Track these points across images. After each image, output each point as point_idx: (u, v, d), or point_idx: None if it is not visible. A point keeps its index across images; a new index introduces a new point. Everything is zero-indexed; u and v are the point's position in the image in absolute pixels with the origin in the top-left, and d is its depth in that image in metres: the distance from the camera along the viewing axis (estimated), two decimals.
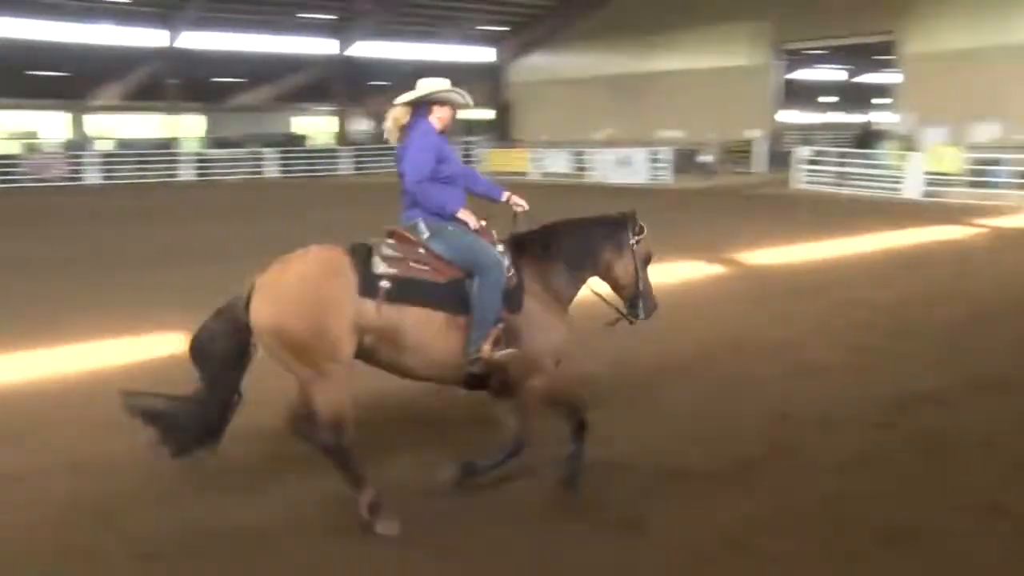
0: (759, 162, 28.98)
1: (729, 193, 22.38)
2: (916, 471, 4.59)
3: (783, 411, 5.49)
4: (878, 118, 35.00)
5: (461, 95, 4.21)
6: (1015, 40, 23.38)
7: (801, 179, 22.72)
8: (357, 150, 33.24)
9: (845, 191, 21.24)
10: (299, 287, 3.74)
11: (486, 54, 39.23)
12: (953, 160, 20.20)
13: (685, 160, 26.72)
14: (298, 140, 38.20)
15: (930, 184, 20.11)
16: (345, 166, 32.10)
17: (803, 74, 45.43)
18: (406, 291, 3.84)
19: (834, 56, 41.80)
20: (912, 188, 20.11)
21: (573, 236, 4.29)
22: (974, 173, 19.89)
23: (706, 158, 26.64)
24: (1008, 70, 23.33)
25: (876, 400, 5.70)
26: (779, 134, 31.14)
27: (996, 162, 20.57)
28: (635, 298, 4.43)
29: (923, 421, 5.34)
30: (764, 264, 11.36)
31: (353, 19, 34.86)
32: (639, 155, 26.80)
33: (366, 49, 36.34)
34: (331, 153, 33.52)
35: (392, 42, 36.55)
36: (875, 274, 10.44)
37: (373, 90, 34.73)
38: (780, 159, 28.59)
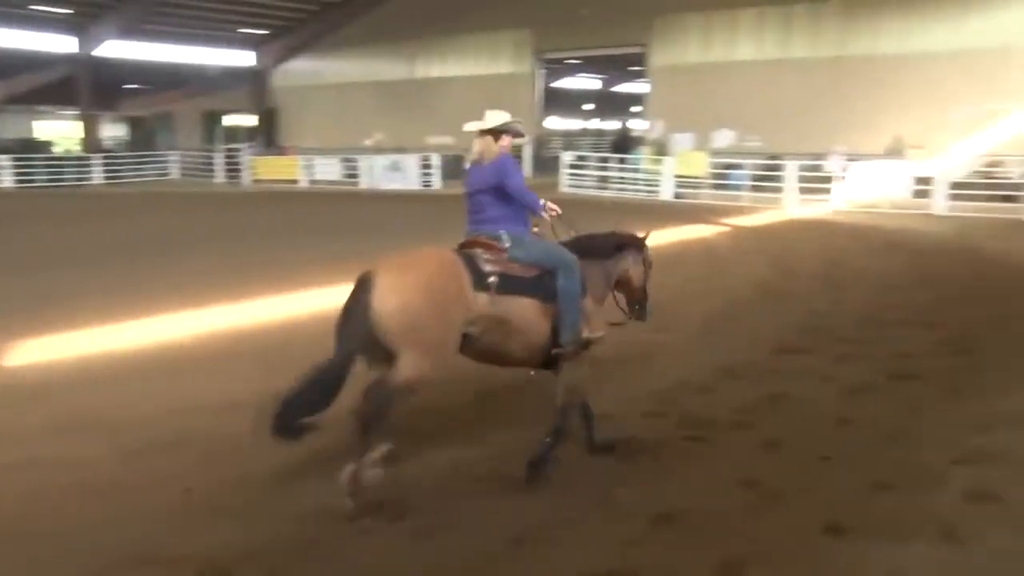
0: (527, 167, 30.06)
1: None
2: (685, 454, 4.96)
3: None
4: (633, 125, 37.37)
5: (521, 126, 5.09)
6: (742, 57, 25.95)
7: (567, 183, 23.80)
8: (108, 158, 30.85)
9: (608, 194, 22.52)
10: (426, 280, 4.23)
11: (247, 58, 37.79)
12: (699, 164, 22.01)
13: (454, 166, 27.17)
14: (39, 146, 34.86)
15: (680, 186, 21.78)
16: (96, 175, 29.58)
17: (566, 82, 47.68)
18: (510, 284, 4.47)
19: (593, 66, 44.15)
20: (666, 190, 21.70)
21: (609, 246, 5.11)
22: (716, 176, 21.78)
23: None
24: (739, 83, 25.82)
25: (646, 391, 6.08)
26: (544, 140, 32.46)
27: (734, 166, 22.70)
28: (644, 300, 5.31)
29: (687, 408, 5.77)
30: None
31: (97, 16, 32.24)
32: (410, 161, 26.84)
33: (116, 49, 33.77)
34: (79, 161, 30.70)
35: (145, 43, 34.22)
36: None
37: (126, 93, 32.28)
38: (546, 164, 29.88)
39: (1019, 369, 6.47)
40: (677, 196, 21.59)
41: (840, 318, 8.43)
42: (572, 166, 24.37)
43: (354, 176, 27.58)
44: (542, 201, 4.92)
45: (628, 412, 5.67)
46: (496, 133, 4.96)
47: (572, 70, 45.74)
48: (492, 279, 4.44)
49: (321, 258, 12.11)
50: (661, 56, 27.92)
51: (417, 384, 4.21)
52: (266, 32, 36.75)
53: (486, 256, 4.58)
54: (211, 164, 31.21)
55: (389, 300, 4.13)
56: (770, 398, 5.99)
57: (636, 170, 22.97)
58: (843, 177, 19.62)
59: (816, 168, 20.61)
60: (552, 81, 44.39)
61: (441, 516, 4.19)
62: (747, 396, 6.02)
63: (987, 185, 18.34)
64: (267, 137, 36.61)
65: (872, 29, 23.76)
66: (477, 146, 4.99)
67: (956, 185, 17.77)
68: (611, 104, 50.92)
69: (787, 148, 23.83)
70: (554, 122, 47.72)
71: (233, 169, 30.47)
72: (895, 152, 21.51)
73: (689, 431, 5.32)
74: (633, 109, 47.27)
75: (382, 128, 34.16)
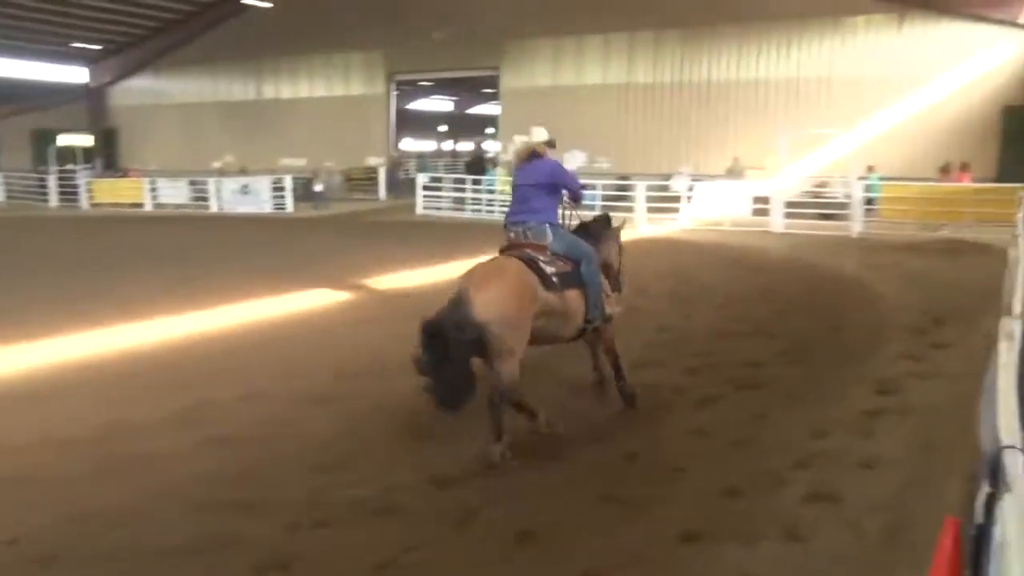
0: (383, 189, 29.91)
1: (354, 220, 22.75)
2: (545, 471, 5.03)
3: (425, 432, 5.68)
4: (487, 146, 37.86)
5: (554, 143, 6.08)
6: (591, 81, 26.81)
7: (423, 205, 23.80)
8: None
9: (465, 215, 22.64)
10: (511, 290, 5.20)
11: (79, 74, 35.77)
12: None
13: (305, 189, 26.65)
14: None
15: None
16: None
17: (420, 104, 47.76)
18: (564, 280, 5.57)
19: (447, 88, 44.48)
20: None
21: (598, 230, 6.31)
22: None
23: (319, 187, 26.56)
24: (588, 106, 26.67)
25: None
26: (399, 161, 32.44)
27: (585, 187, 23.26)
28: (619, 275, 6.40)
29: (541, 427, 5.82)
30: (393, 287, 11.70)
31: None
32: (262, 184, 26.11)
33: None
34: None
35: None
36: None
37: None
38: (401, 186, 29.79)
39: (851, 376, 6.90)
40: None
41: (689, 332, 8.76)
42: (427, 188, 24.40)
43: (203, 199, 26.54)
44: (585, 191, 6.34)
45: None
46: (542, 144, 6.04)
47: (426, 92, 45.96)
48: (555, 279, 5.53)
49: (165, 286, 11.62)
50: (512, 79, 28.47)
51: (517, 376, 5.16)
52: (100, 48, 34.95)
53: (542, 259, 5.62)
54: (44, 187, 29.28)
55: (488, 312, 5.05)
56: (625, 412, 6.17)
57: (491, 191, 23.23)
58: (689, 197, 20.46)
59: (663, 188, 21.43)
60: (406, 103, 44.48)
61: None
62: (602, 412, 6.16)
63: (817, 204, 19.63)
64: (106, 158, 34.70)
65: (709, 57, 25.10)
66: (522, 152, 6.07)
67: (790, 204, 18.90)
68: (465, 126, 51.41)
69: (636, 169, 24.76)
70: (409, 144, 47.73)
71: (69, 192, 28.69)
72: (735, 173, 22.69)
73: (550, 448, 5.39)
74: (487, 131, 47.95)
75: (231, 150, 33.06)
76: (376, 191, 29.50)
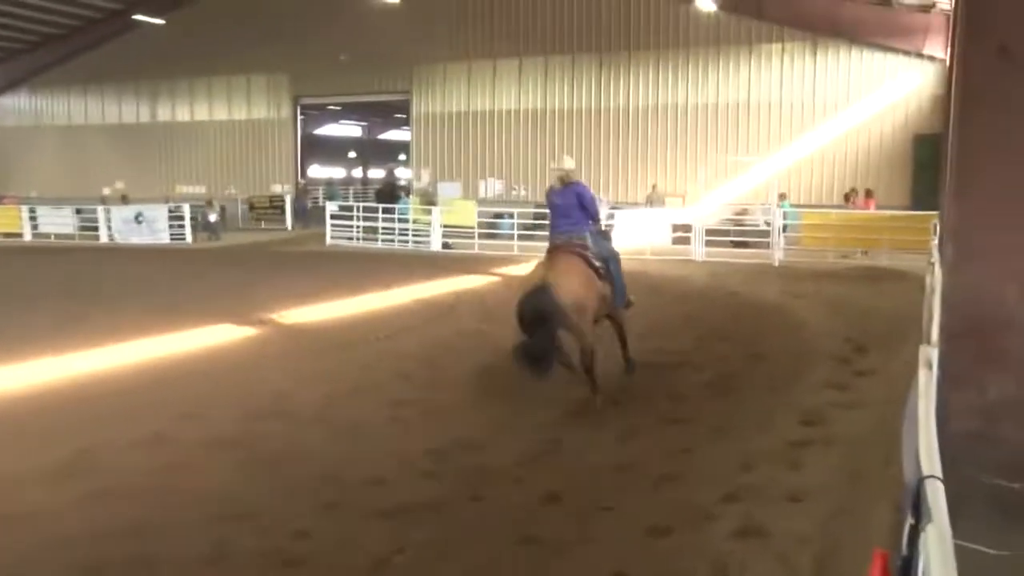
0: (289, 218, 29.56)
1: (258, 252, 22.40)
2: (465, 514, 4.97)
3: (334, 474, 5.60)
4: (400, 173, 37.86)
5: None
6: (505, 106, 27.13)
7: (333, 235, 23.56)
8: None
9: (377, 246, 22.52)
10: (580, 278, 7.42)
11: None
12: (467, 214, 22.58)
13: (204, 218, 26.15)
14: None
15: (449, 237, 22.24)
16: None
17: (328, 129, 47.40)
18: (605, 273, 7.78)
19: (356, 112, 44.31)
20: (435, 241, 22.03)
21: (602, 237, 8.25)
22: (486, 226, 22.47)
23: (213, 216, 26.02)
24: (503, 132, 27.00)
25: (422, 451, 6.09)
26: (307, 189, 32.10)
27: (502, 216, 23.52)
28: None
29: (463, 464, 5.82)
30: (301, 322, 11.52)
31: None
32: (158, 212, 25.41)
33: None
34: None
35: None
36: (410, 326, 11.17)
37: None
38: (310, 215, 29.49)
39: (776, 406, 7.05)
40: (446, 247, 21.98)
41: (612, 364, 8.84)
42: (337, 217, 24.18)
43: (92, 229, 25.64)
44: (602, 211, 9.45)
45: (404, 474, 5.64)
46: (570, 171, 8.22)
47: (334, 116, 45.69)
48: (601, 271, 7.74)
49: (52, 323, 11.18)
50: (424, 104, 28.60)
51: (593, 347, 7.38)
52: None
53: (589, 255, 7.73)
54: None
55: (568, 297, 7.20)
56: (546, 450, 6.16)
57: (404, 220, 23.18)
58: (608, 225, 20.77)
59: None
60: (313, 127, 44.20)
61: None
62: (523, 449, 6.17)
63: (737, 232, 20.19)
64: None
65: (626, 82, 25.69)
66: (557, 178, 8.21)
67: (711, 232, 19.39)
68: (376, 152, 51.22)
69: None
70: (317, 170, 47.27)
71: None
72: (655, 201, 23.21)
73: (468, 490, 5.34)
74: (400, 157, 47.92)
75: (124, 176, 32.27)
76: (282, 220, 29.10)
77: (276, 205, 29.49)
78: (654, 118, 25.39)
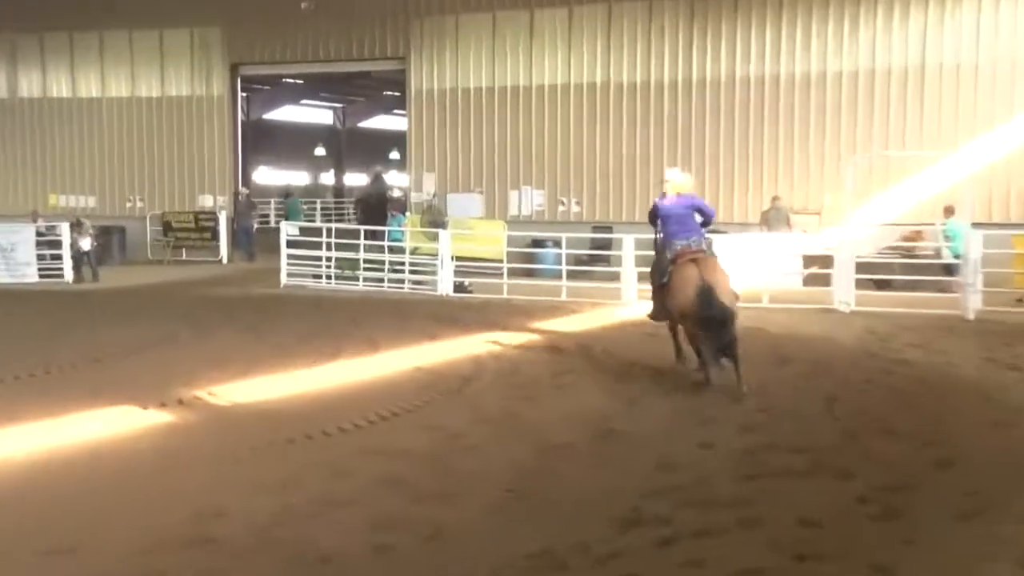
0: (224, 245, 29.71)
1: (176, 296, 22.64)
2: None
3: None
4: (392, 179, 38.11)
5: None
6: (544, 80, 27.29)
7: (290, 271, 23.60)
8: None
9: (359, 286, 22.61)
10: (728, 277, 12.72)
11: None
12: (493, 241, 22.60)
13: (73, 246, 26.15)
14: None
15: (465, 274, 22.23)
16: None
17: (284, 113, 47.97)
18: None
19: (328, 88, 44.89)
20: (444, 281, 21.97)
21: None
22: (520, 259, 22.49)
23: (85, 242, 25.84)
24: (542, 119, 27.09)
25: None
26: (250, 202, 32.14)
27: (544, 243, 23.57)
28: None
29: None
30: (241, 403, 11.49)
31: None
32: (18, 236, 25.64)
33: None
34: None
35: None
36: (407, 408, 11.08)
37: None
38: (256, 239, 29.76)
39: (976, 544, 6.84)
40: (461, 289, 21.93)
41: (708, 468, 8.62)
42: (296, 244, 24.29)
43: None
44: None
45: None
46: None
47: (293, 94, 46.31)
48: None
49: None
50: (427, 76, 28.91)
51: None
52: None
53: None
54: None
55: (730, 300, 12.26)
56: None
57: (398, 249, 23.19)
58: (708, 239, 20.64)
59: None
60: (262, 110, 44.78)
61: None
62: None
63: (906, 267, 19.95)
64: None
65: (729, 42, 25.56)
66: (672, 190, 13.16)
67: (864, 267, 19.28)
68: (357, 147, 51.55)
69: (618, 216, 25.32)
70: (266, 175, 47.75)
71: None
72: (775, 220, 22.99)
73: None
74: (391, 155, 48.26)
75: None
76: (214, 248, 29.28)
77: (205, 226, 29.71)
78: (772, 94, 25.29)
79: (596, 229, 25.70)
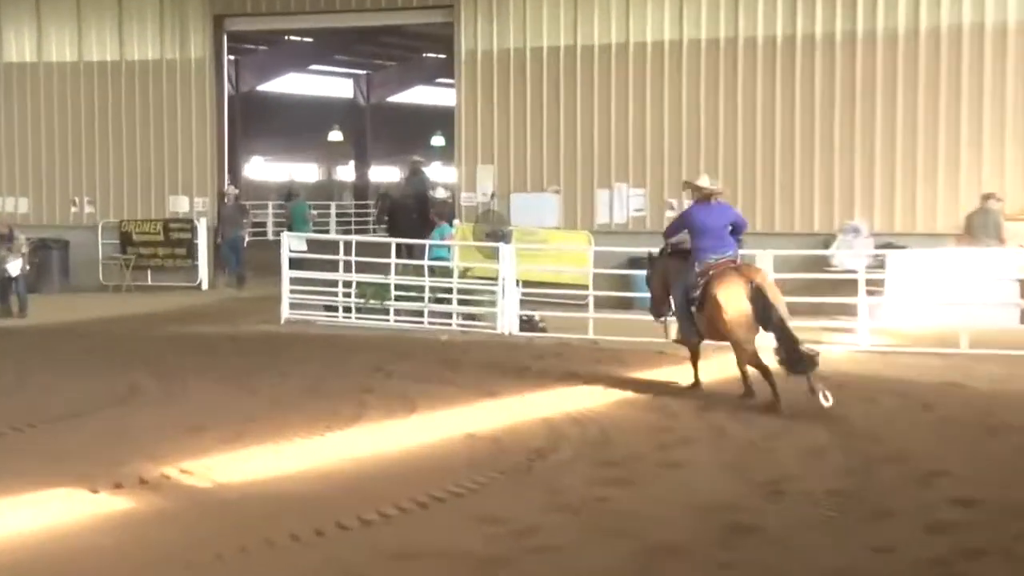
0: (205, 263, 29.88)
1: (140, 333, 22.85)
2: None
3: None
4: (434, 174, 38.12)
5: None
6: (642, 36, 27.20)
7: (295, 299, 23.64)
8: None
9: (389, 322, 22.61)
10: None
11: None
12: (572, 258, 22.54)
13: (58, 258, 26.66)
14: None
15: (534, 305, 22.17)
16: None
17: (288, 83, 48.27)
18: None
19: (344, 50, 45.05)
20: (507, 314, 21.85)
21: None
22: (612, 284, 22.38)
23: (13, 264, 25.79)
24: (617, 87, 27.05)
25: None
26: (240, 206, 32.23)
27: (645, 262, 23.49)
28: None
29: None
30: (223, 484, 11.45)
31: None
32: None
33: None
34: None
35: None
36: (455, 491, 10.97)
37: None
38: (247, 256, 29.90)
39: None
40: (530, 325, 21.84)
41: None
42: (301, 263, 24.35)
43: None
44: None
45: None
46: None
47: (297, 57, 46.59)
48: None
49: None
50: (482, 33, 29.00)
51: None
52: None
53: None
54: None
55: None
56: None
57: (442, 271, 23.19)
58: (876, 282, 20.49)
59: (816, 263, 22.06)
60: (256, 80, 45.05)
61: None
62: None
63: None
64: None
65: None
66: (703, 195, 16.06)
67: None
68: (385, 130, 51.69)
69: (756, 224, 24.96)
70: (261, 168, 48.01)
71: None
72: (983, 228, 22.42)
73: None
74: (433, 140, 48.36)
75: None
76: (190, 269, 29.45)
77: (177, 239, 29.96)
78: (974, 46, 24.97)
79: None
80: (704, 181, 16.46)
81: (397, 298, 23.08)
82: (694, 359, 16.48)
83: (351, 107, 51.72)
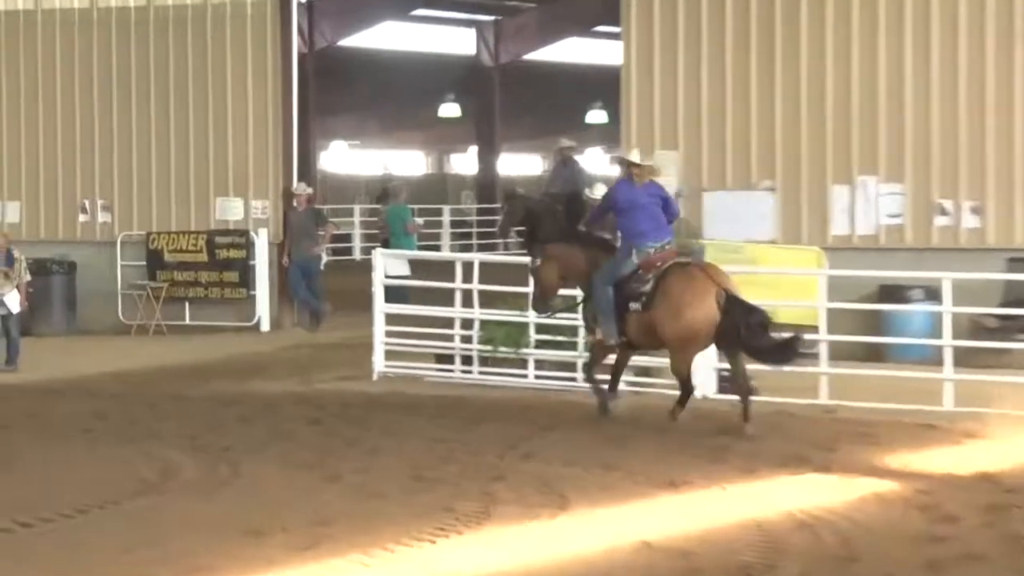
0: (265, 294, 30.06)
1: (166, 399, 22.97)
2: None
3: None
4: (590, 164, 38.18)
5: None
6: None
7: (391, 343, 23.79)
8: None
9: (528, 378, 22.69)
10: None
11: None
12: (798, 288, 22.49)
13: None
14: None
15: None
16: None
17: (380, 37, 48.69)
18: None
19: None
20: (703, 371, 21.83)
21: None
22: (858, 323, 22.33)
23: (7, 298, 26.21)
24: (861, 35, 27.01)
25: None
26: (315, 211, 32.43)
27: (906, 293, 23.40)
28: None
29: None
30: None
31: None
32: None
33: None
34: None
35: None
36: None
37: None
38: (320, 285, 30.08)
39: None
40: (734, 387, 21.75)
41: None
42: (404, 294, 24.49)
43: None
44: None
45: None
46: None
47: (395, 5, 46.91)
48: None
49: None
50: None
51: None
52: None
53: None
54: None
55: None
56: None
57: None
58: None
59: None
60: (338, 33, 45.46)
61: None
62: None
63: None
64: None
65: None
66: (643, 175, 19.49)
67: None
68: (523, 101, 51.94)
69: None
70: (344, 157, 48.42)
71: None
72: None
73: None
74: (590, 116, 48.51)
75: None
76: (244, 301, 29.72)
77: (227, 259, 30.21)
78: None
79: (1016, 263, 25.22)
80: (635, 156, 19.40)
81: (538, 344, 23.17)
82: (616, 371, 18.60)
83: (473, 69, 52.02)
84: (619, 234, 18.99)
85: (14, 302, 26.19)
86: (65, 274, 30.46)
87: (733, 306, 17.09)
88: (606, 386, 19.66)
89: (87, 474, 16.80)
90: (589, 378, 19.36)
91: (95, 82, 32.08)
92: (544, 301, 20.14)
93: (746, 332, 17.61)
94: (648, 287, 17.43)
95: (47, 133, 32.39)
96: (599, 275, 18.03)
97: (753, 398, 18.90)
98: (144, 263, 30.71)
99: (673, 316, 17.10)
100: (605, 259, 18.64)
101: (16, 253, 26.89)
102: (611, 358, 20.11)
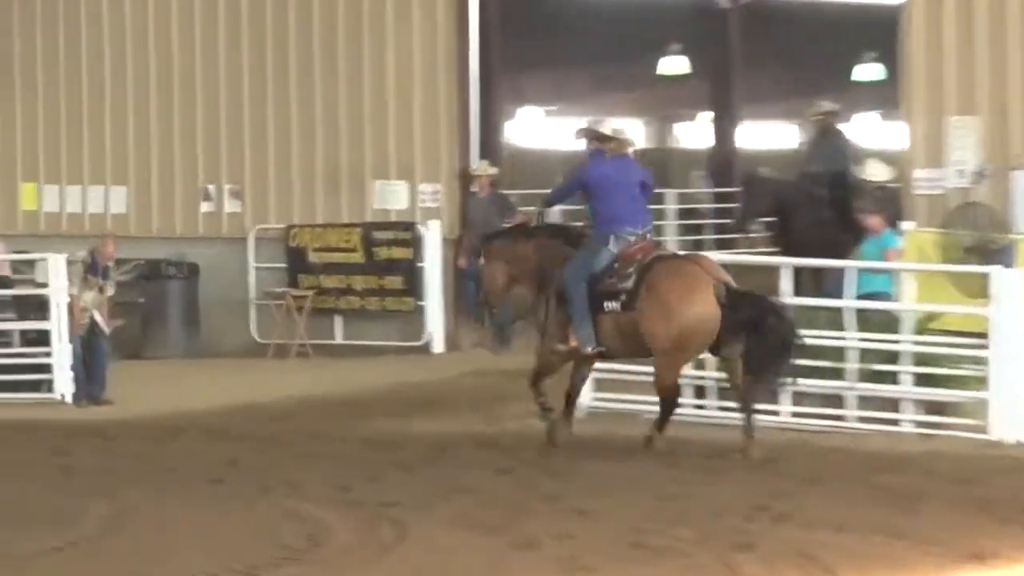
0: (437, 307, 30.08)
1: (313, 441, 23.09)
2: None
3: None
4: (862, 139, 38.16)
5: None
6: None
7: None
8: None
9: (785, 414, 22.52)
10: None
11: None
12: None
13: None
14: None
15: None
16: None
17: None
18: None
19: None
20: (1015, 408, 21.54)
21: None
22: None
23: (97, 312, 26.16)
24: None
25: None
26: (503, 201, 32.49)
27: None
28: None
29: None
30: None
31: None
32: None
33: None
34: None
35: None
36: None
37: None
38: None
39: None
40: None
41: None
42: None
43: None
44: None
45: None
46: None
47: None
48: None
49: None
50: None
51: None
52: None
53: None
54: None
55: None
56: None
57: (881, 322, 23.02)
58: None
59: None
60: None
61: None
62: None
63: None
64: None
65: None
66: (617, 149, 21.50)
67: None
68: (769, 51, 52.11)
69: None
70: (541, 128, 48.59)
71: None
72: None
73: None
74: (861, 72, 48.52)
75: None
76: (412, 310, 29.81)
77: (388, 259, 30.26)
78: None
79: None
80: (606, 128, 20.71)
81: (796, 369, 22.93)
82: (574, 386, 19.82)
83: (704, 11, 52.10)
84: (591, 220, 19.63)
85: (102, 318, 26.27)
86: (183, 279, 30.81)
87: (740, 300, 17.27)
88: (548, 407, 20.52)
89: (215, 537, 16.87)
90: (534, 394, 19.95)
91: (221, 32, 32.33)
92: (488, 307, 21.29)
93: (775, 321, 18.14)
94: (629, 283, 17.74)
95: (161, 99, 32.67)
96: (570, 270, 18.31)
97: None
98: (284, 265, 30.73)
99: (663, 316, 17.31)
100: (570, 252, 18.98)
101: (112, 267, 27.25)
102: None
